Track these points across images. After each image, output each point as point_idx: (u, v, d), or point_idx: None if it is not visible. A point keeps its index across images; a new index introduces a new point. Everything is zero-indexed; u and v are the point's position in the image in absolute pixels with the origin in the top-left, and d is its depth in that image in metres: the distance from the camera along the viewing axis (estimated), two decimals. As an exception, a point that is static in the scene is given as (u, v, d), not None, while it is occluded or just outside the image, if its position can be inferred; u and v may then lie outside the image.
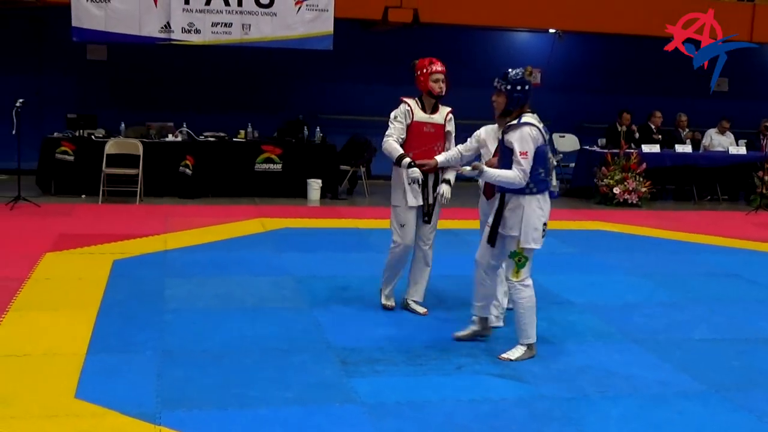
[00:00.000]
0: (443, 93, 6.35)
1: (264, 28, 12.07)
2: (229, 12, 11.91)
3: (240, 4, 11.92)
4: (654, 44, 15.63)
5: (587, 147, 14.20)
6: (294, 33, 12.22)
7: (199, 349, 5.45)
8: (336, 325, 6.07)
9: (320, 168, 12.43)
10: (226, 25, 11.95)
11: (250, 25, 12.01)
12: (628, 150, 13.15)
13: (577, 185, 13.96)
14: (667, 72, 16.12)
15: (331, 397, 4.74)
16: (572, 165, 14.38)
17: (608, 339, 6.00)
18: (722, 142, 14.63)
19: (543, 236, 5.43)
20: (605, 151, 13.36)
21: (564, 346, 5.83)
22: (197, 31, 11.82)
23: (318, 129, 12.87)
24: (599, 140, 14.18)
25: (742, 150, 14.33)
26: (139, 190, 11.31)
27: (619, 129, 13.76)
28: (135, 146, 11.51)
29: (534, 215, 5.37)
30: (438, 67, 6.34)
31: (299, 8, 12.15)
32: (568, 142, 15.12)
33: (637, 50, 15.79)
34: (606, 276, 8.01)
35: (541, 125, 5.45)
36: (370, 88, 15.11)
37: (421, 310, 6.50)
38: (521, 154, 5.29)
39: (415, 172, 6.14)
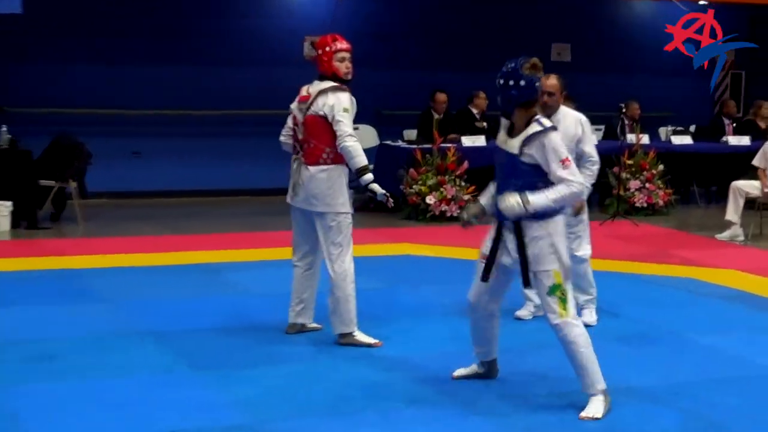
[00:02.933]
0: (350, 76, 7.38)
1: None
2: None
3: None
4: (470, 1, 16.29)
5: (389, 142, 14.54)
6: (-38, -10, 11.83)
7: None
8: (40, 411, 5.91)
9: (9, 185, 12.12)
10: None
11: None
12: (443, 144, 13.54)
13: (378, 195, 14.26)
14: (492, 38, 16.81)
15: None
16: (370, 167, 14.69)
17: (422, 404, 6.16)
18: (566, 129, 15.37)
19: None
20: (413, 146, 13.69)
21: (364, 414, 5.94)
22: None
23: (4, 128, 12.53)
24: (405, 132, 14.57)
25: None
26: None
27: (435, 116, 14.18)
28: None
29: (563, 239, 6.08)
30: (343, 44, 7.37)
31: (-31, -45, 11.78)
32: (363, 136, 15.43)
33: (451, 11, 16.36)
34: (418, 319, 8.22)
35: None
36: (78, 68, 14.86)
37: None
38: (563, 162, 5.88)
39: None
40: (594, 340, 7.57)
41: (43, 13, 13.57)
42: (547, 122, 6.01)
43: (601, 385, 6.02)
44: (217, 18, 15.18)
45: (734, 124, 16.44)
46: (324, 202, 7.28)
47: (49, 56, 14.66)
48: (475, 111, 14.95)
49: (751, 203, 12.51)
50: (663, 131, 16.85)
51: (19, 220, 12.10)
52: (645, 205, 14.37)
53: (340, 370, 6.79)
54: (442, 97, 14.48)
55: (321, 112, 7.22)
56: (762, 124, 16.32)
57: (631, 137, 14.69)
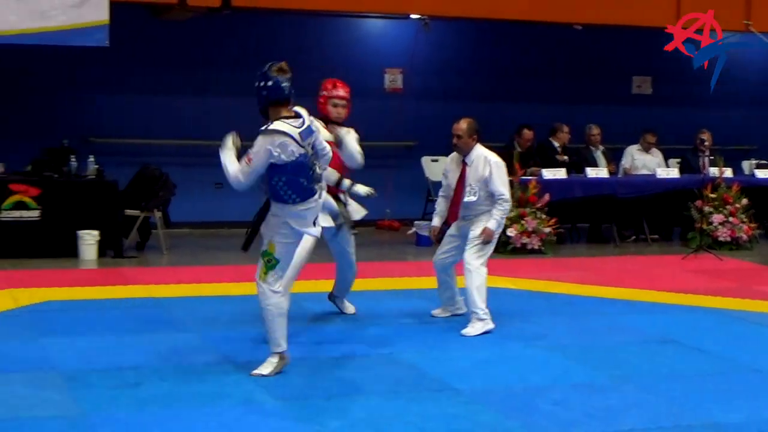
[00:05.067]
0: (341, 120, 8.28)
1: (8, 18, 11.78)
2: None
3: (-30, -16, 11.65)
4: (552, 33, 16.24)
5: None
6: (52, 24, 11.98)
7: None
8: (125, 438, 5.94)
9: (96, 214, 12.27)
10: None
11: (-14, 14, 11.73)
12: (524, 177, 13.49)
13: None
14: (574, 71, 16.73)
15: None
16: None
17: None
18: (647, 162, 15.23)
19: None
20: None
21: (447, 450, 5.90)
22: None
23: (91, 158, 12.67)
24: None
25: (674, 172, 14.94)
26: None
27: (517, 149, 14.10)
28: None
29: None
30: (340, 92, 8.28)
31: (59, -10, 11.95)
32: (442, 169, 15.39)
33: (531, 42, 16.32)
34: (500, 350, 8.15)
35: (300, 133, 6.97)
36: (165, 99, 15.00)
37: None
38: (246, 158, 7.00)
39: None
40: (679, 376, 7.50)
41: (128, 46, 13.74)
42: (273, 125, 6.92)
43: (280, 348, 7.09)
44: (299, 49, 15.24)
45: (820, 158, 16.20)
46: None
47: (133, 88, 14.82)
48: (556, 144, 14.85)
49: (837, 238, 12.30)
50: (746, 164, 16.60)
51: (105, 249, 12.24)
52: (728, 239, 14.15)
53: (420, 403, 6.73)
54: (529, 134, 14.53)
55: None
56: None
57: (713, 170, 14.47)
